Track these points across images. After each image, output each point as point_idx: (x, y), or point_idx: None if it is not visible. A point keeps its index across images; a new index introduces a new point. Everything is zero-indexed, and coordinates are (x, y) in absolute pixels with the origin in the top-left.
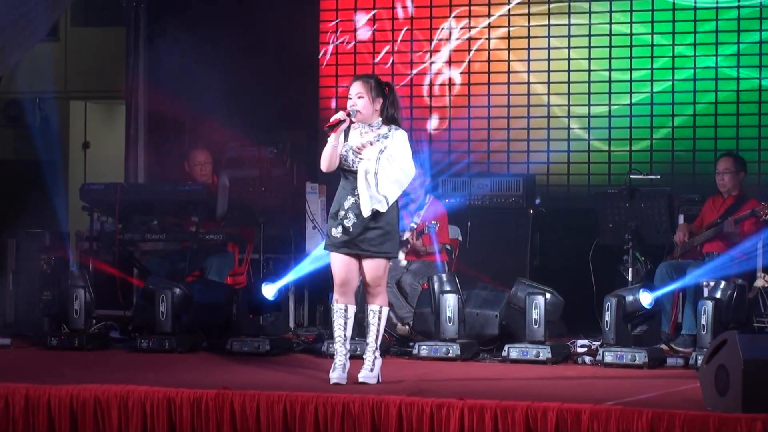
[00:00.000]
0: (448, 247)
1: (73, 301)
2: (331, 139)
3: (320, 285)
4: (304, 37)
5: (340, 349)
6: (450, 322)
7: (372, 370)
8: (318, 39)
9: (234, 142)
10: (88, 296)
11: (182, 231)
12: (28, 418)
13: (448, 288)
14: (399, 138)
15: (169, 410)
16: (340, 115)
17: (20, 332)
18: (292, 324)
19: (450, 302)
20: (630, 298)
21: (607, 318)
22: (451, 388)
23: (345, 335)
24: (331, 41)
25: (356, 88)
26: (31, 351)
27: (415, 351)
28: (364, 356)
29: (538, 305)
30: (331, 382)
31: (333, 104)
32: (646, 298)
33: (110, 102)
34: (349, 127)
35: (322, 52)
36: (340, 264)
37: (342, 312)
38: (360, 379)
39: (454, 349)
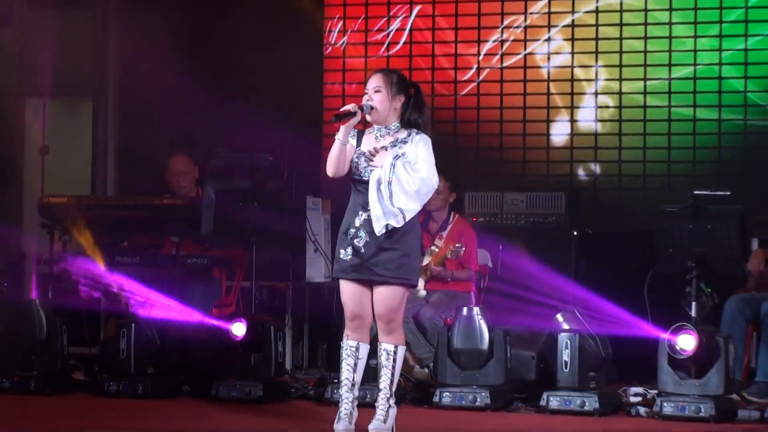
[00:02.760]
0: (473, 274)
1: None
2: (339, 134)
3: (322, 320)
4: (307, 26)
5: (347, 395)
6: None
7: (385, 420)
8: (322, 26)
9: (221, 148)
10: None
11: (159, 254)
12: None
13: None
14: (420, 143)
15: None
16: (351, 106)
17: None
18: (289, 366)
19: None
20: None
21: (730, 364)
22: None
23: (353, 379)
24: (336, 29)
25: (374, 81)
26: None
27: (436, 398)
28: (376, 404)
29: (571, 346)
30: None
31: (339, 103)
32: (687, 342)
33: (74, 99)
34: (362, 131)
35: (326, 43)
36: (351, 293)
37: (353, 351)
38: (370, 430)
39: (483, 397)
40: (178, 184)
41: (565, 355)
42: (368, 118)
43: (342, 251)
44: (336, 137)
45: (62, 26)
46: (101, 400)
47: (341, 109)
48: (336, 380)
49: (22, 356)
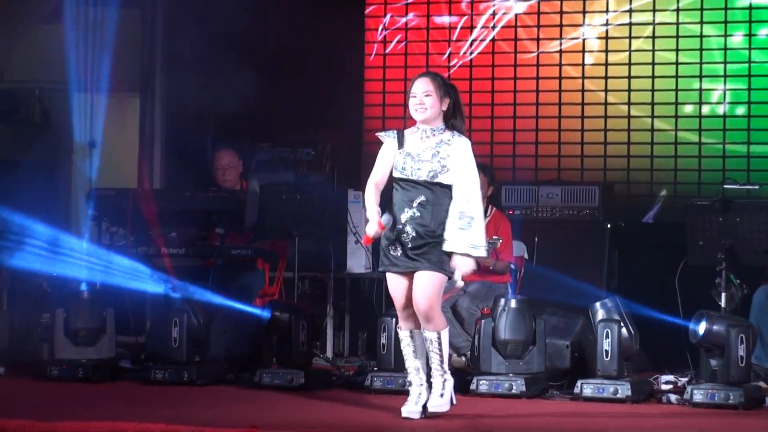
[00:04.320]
0: (513, 266)
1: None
2: (364, 242)
3: (362, 309)
4: (350, 28)
5: (414, 380)
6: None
7: (442, 395)
8: (364, 28)
9: (266, 143)
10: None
11: (205, 245)
12: None
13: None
14: (464, 149)
15: None
16: (372, 232)
17: (15, 360)
18: (330, 354)
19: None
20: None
21: (741, 353)
22: (515, 429)
23: (417, 365)
24: (379, 34)
25: (424, 86)
26: (28, 382)
27: (473, 386)
28: (432, 381)
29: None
30: (402, 415)
31: (379, 100)
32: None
33: (121, 95)
34: (402, 131)
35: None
36: (400, 286)
37: (408, 339)
38: (429, 409)
39: (519, 385)
40: (223, 177)
41: (606, 344)
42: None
43: (391, 247)
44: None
45: (109, 23)
46: (147, 388)
47: (366, 239)
48: (375, 368)
49: (73, 344)
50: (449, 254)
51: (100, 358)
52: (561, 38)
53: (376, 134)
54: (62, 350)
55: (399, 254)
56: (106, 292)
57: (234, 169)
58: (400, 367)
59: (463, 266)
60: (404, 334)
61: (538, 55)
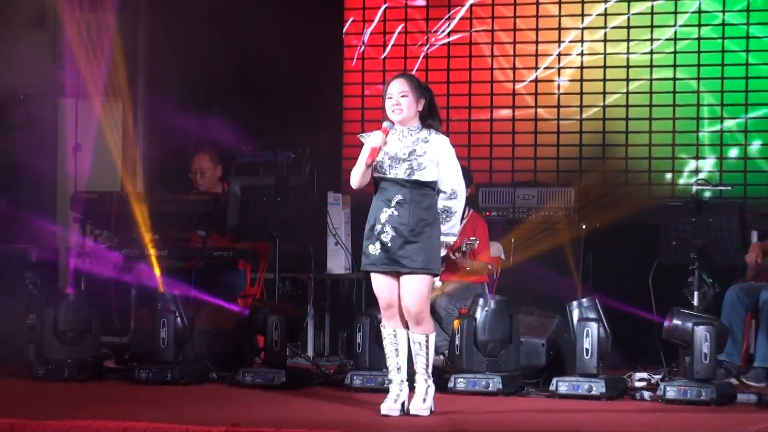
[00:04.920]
0: (489, 266)
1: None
2: (367, 159)
3: (342, 309)
4: (328, 28)
5: (394, 378)
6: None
7: (425, 400)
8: (342, 29)
9: (246, 146)
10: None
11: (187, 247)
12: None
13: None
14: (444, 146)
15: None
16: (377, 141)
17: (1, 360)
18: (311, 353)
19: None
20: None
21: (704, 350)
22: (492, 425)
23: (398, 363)
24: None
25: (400, 86)
26: (14, 382)
27: (450, 384)
28: (416, 385)
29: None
30: (381, 413)
31: (359, 103)
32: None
33: (106, 99)
34: None
35: (347, 47)
36: (383, 284)
37: (391, 338)
38: (411, 411)
39: (495, 383)
40: (198, 181)
41: (586, 343)
42: (390, 132)
43: (371, 246)
44: (362, 160)
45: (93, 30)
46: (132, 387)
47: (370, 152)
48: (355, 367)
49: (60, 344)
50: (433, 251)
51: (86, 358)
52: (537, 41)
53: (358, 136)
54: (49, 350)
55: (378, 253)
56: (91, 293)
57: (209, 172)
58: (375, 365)
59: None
60: (387, 333)
61: (514, 59)
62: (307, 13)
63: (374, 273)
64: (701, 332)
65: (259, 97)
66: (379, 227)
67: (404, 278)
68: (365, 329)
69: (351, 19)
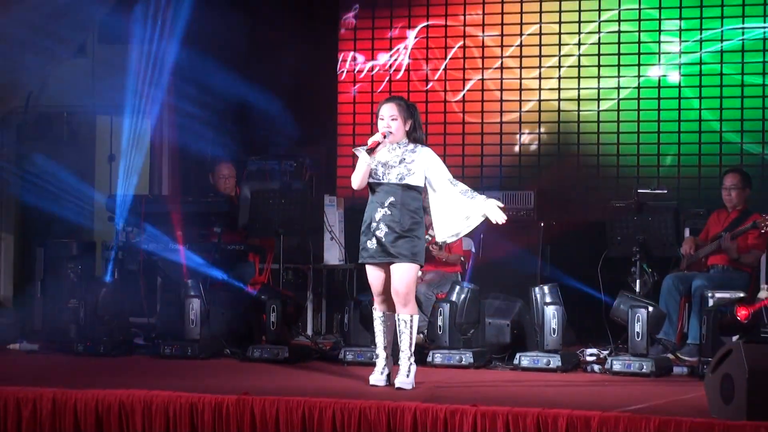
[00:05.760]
0: (462, 258)
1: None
2: (368, 159)
3: (337, 294)
4: (324, 56)
5: (382, 353)
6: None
7: (408, 375)
8: (336, 56)
9: (256, 156)
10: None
11: (206, 241)
12: (54, 422)
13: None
14: (430, 156)
15: (191, 415)
16: (378, 137)
17: (47, 338)
18: (310, 332)
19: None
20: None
21: (637, 329)
22: (465, 394)
23: (385, 341)
24: (348, 62)
25: (390, 110)
26: (58, 357)
27: (429, 359)
28: (400, 362)
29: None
30: (370, 383)
31: (350, 119)
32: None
33: (135, 117)
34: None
35: (340, 71)
36: (376, 276)
37: (380, 320)
38: (397, 385)
39: (467, 357)
40: (224, 185)
41: (553, 323)
42: (387, 139)
43: (368, 241)
44: (362, 160)
45: (125, 57)
46: (157, 361)
47: (371, 142)
48: (345, 344)
49: (97, 324)
50: (420, 245)
51: (118, 336)
52: (502, 56)
53: (353, 149)
54: (88, 330)
55: (374, 247)
56: (123, 280)
57: (232, 178)
58: (361, 342)
59: (494, 213)
60: (377, 315)
61: (482, 80)
62: (303, 38)
63: (369, 265)
64: (635, 314)
65: (267, 115)
66: (374, 225)
67: (395, 266)
68: (351, 312)
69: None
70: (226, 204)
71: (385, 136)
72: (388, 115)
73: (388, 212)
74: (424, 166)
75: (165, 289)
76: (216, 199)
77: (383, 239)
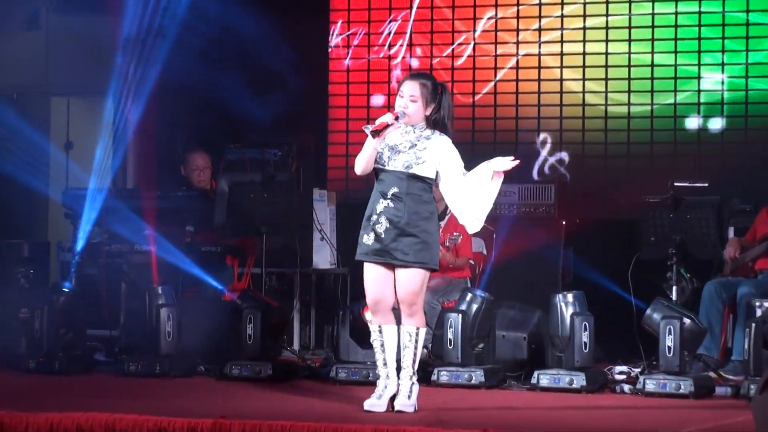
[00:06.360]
0: (471, 261)
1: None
2: (374, 142)
3: (328, 303)
4: (314, 29)
5: (382, 372)
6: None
7: (409, 397)
8: (328, 30)
9: (234, 144)
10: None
11: (176, 242)
12: None
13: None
14: (447, 146)
15: None
16: (388, 118)
17: None
18: (297, 346)
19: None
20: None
21: (669, 343)
22: (474, 418)
23: (384, 359)
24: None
25: (411, 89)
26: (6, 374)
27: (434, 377)
28: (400, 382)
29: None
30: (365, 408)
31: (344, 102)
32: None
33: (95, 98)
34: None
35: (332, 45)
36: (373, 276)
37: (377, 333)
38: (396, 407)
39: (478, 375)
40: (198, 178)
41: (584, 336)
42: (401, 122)
43: (365, 236)
44: (369, 143)
45: (84, 30)
46: (121, 379)
47: (378, 122)
48: (335, 359)
49: (51, 337)
50: (429, 246)
51: (76, 351)
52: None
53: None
54: (41, 343)
55: (371, 243)
56: (81, 287)
57: (207, 169)
58: (354, 357)
59: (500, 164)
60: (373, 329)
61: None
62: (295, 20)
63: (367, 263)
64: (666, 325)
65: (247, 95)
66: (374, 218)
67: (398, 271)
68: (340, 323)
69: (340, 21)
70: (200, 199)
71: (397, 118)
72: (408, 94)
73: (391, 204)
74: (437, 157)
75: (129, 296)
76: (189, 193)
77: (382, 235)
